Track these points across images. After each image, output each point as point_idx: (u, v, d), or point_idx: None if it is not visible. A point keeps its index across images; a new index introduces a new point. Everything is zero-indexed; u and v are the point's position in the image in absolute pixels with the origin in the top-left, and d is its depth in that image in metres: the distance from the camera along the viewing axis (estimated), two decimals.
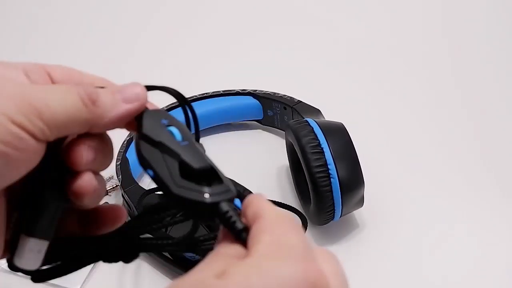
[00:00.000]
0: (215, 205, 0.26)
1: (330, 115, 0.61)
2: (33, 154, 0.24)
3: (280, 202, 0.55)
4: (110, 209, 0.30)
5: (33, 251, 0.28)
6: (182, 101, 0.31)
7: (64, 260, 0.30)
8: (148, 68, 0.83)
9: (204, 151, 0.29)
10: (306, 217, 0.55)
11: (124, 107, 0.27)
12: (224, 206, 0.27)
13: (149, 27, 0.91)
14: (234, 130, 0.70)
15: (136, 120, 0.28)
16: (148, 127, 0.28)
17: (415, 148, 0.68)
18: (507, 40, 0.84)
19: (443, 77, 0.78)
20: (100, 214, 0.30)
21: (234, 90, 0.68)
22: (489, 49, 0.83)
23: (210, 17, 0.92)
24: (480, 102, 0.74)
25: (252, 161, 0.65)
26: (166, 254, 0.53)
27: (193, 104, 0.74)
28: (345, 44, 0.85)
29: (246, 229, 0.26)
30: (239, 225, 0.26)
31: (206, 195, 0.26)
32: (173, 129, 0.28)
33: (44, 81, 0.27)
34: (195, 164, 0.27)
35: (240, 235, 0.26)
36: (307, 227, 0.54)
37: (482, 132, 0.69)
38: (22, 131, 0.23)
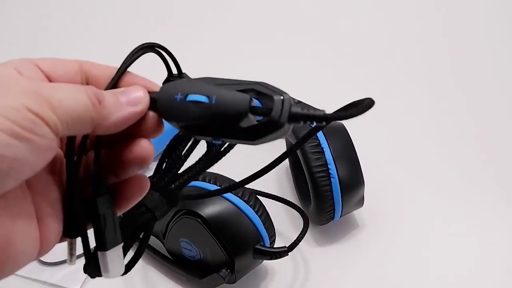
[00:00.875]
0: (292, 118, 0.26)
1: None
2: (51, 142, 0.25)
3: (282, 198, 0.55)
4: (135, 180, 0.30)
5: (114, 259, 0.29)
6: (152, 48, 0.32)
7: (131, 240, 0.31)
8: (148, 68, 0.83)
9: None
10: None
11: (128, 110, 0.28)
12: (296, 109, 0.26)
13: (150, 28, 0.91)
14: None
15: (156, 112, 0.28)
16: (176, 117, 0.28)
17: (415, 148, 0.68)
18: (507, 40, 0.84)
19: (443, 77, 0.79)
20: (127, 187, 0.30)
21: None
22: (489, 49, 0.83)
23: (209, 18, 0.92)
24: (479, 101, 0.74)
25: (251, 161, 0.65)
26: (166, 254, 0.53)
27: None
28: (345, 44, 0.85)
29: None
30: (319, 112, 0.27)
31: (283, 122, 0.26)
32: (193, 97, 0.28)
33: (36, 75, 0.28)
34: (242, 108, 0.27)
35: (327, 120, 0.27)
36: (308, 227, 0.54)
37: (481, 131, 0.70)
38: (37, 118, 0.24)
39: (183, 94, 0.27)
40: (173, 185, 0.32)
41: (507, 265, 0.54)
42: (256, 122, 0.27)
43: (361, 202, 0.55)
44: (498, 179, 0.63)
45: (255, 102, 0.27)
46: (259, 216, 0.48)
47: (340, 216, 0.54)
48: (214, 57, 0.84)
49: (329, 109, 0.67)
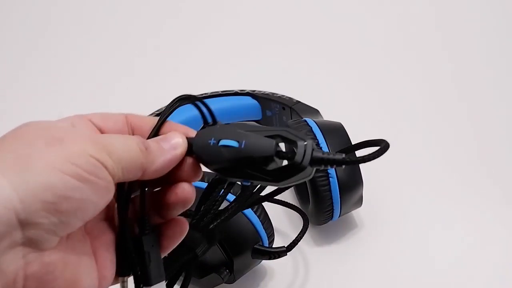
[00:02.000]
0: (314, 162, 0.29)
1: (329, 115, 0.61)
2: (109, 185, 0.28)
3: (281, 200, 0.55)
4: (176, 222, 0.34)
5: None
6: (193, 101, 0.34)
7: (175, 277, 0.35)
8: (149, 68, 0.83)
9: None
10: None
11: (170, 153, 0.31)
12: (318, 154, 0.29)
13: (150, 28, 0.91)
14: None
15: (191, 156, 0.31)
16: (209, 159, 0.31)
17: (414, 148, 0.68)
18: (506, 43, 0.84)
19: (442, 78, 0.79)
20: (169, 228, 0.33)
21: (233, 90, 0.68)
22: (489, 52, 0.83)
23: (209, 18, 0.92)
24: (479, 102, 0.74)
25: None
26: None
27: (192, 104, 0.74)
28: (344, 44, 0.85)
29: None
30: (339, 156, 0.29)
31: (305, 166, 0.28)
32: (225, 141, 0.30)
33: (90, 128, 0.32)
34: (268, 152, 0.29)
35: (346, 163, 0.29)
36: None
37: (481, 132, 0.70)
38: (98, 163, 0.27)
39: (216, 139, 0.30)
40: (211, 225, 0.36)
41: (507, 265, 0.54)
42: (281, 166, 0.29)
43: (359, 202, 0.55)
44: (497, 179, 0.63)
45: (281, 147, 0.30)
46: (258, 216, 0.48)
47: (339, 216, 0.54)
48: (213, 57, 0.84)
49: (328, 109, 0.66)
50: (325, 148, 0.52)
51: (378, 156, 0.30)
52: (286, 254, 0.50)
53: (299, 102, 0.65)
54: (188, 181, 0.32)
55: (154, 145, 0.31)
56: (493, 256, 0.55)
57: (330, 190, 0.52)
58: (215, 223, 0.36)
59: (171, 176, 0.32)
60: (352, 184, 0.53)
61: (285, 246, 0.50)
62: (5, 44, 0.89)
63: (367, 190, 0.54)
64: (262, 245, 0.49)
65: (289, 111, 0.64)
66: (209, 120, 0.34)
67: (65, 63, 0.85)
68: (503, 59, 0.80)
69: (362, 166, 0.53)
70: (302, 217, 0.53)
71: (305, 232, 0.51)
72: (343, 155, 0.29)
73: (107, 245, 0.31)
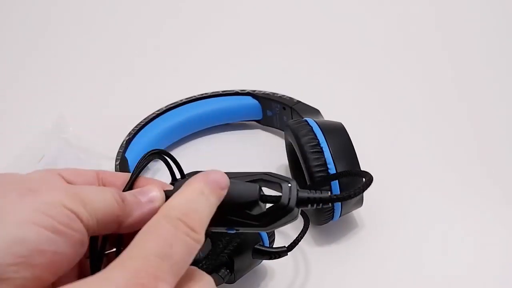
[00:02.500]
0: (300, 202, 0.28)
1: (329, 116, 0.61)
2: (83, 237, 0.28)
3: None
4: None
5: None
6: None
7: None
8: (149, 68, 0.83)
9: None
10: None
11: (147, 206, 0.30)
12: (303, 194, 0.28)
13: (150, 28, 0.91)
14: (233, 130, 0.70)
15: None
16: None
17: (414, 148, 0.68)
18: (506, 41, 0.84)
19: (442, 78, 0.79)
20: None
21: (233, 90, 0.68)
22: (488, 50, 0.83)
23: (208, 18, 0.92)
24: (479, 102, 0.74)
25: (251, 161, 0.65)
26: None
27: (192, 104, 0.75)
28: (344, 44, 0.85)
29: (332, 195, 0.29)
30: (325, 194, 0.29)
31: (292, 207, 0.28)
32: None
33: (61, 181, 0.31)
34: (252, 197, 0.28)
35: (332, 201, 0.29)
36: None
37: (481, 132, 0.70)
38: (72, 214, 0.27)
39: None
40: None
41: (507, 265, 0.54)
42: (266, 210, 0.29)
43: (360, 202, 0.55)
44: (498, 179, 0.63)
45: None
46: None
47: (339, 216, 0.54)
48: (213, 57, 0.84)
49: (328, 110, 0.66)
50: (325, 148, 0.52)
51: (363, 191, 0.30)
52: (287, 254, 0.50)
53: (300, 102, 0.65)
54: None
55: (131, 198, 0.30)
56: (493, 256, 0.55)
57: (330, 190, 0.52)
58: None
59: None
60: (352, 184, 0.53)
61: (286, 246, 0.50)
62: (5, 44, 0.89)
63: (367, 190, 0.54)
64: (263, 245, 0.49)
65: (290, 111, 0.64)
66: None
67: (65, 63, 0.85)
68: (503, 59, 0.80)
69: (362, 166, 0.53)
70: (302, 217, 0.53)
71: (305, 232, 0.51)
72: (329, 193, 0.29)
73: None
